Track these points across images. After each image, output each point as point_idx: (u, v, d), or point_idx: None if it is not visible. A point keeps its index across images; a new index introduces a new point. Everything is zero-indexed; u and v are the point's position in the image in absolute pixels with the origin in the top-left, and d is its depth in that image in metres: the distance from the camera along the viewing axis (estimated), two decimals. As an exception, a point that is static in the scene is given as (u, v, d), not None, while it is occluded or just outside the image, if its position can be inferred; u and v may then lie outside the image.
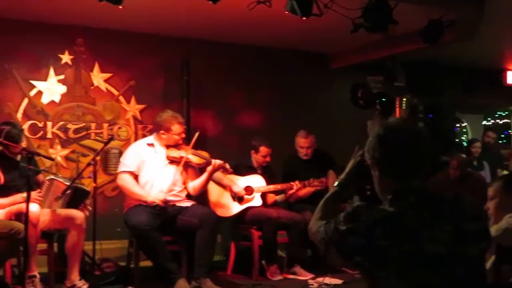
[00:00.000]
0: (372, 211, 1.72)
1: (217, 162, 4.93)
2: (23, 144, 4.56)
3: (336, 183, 2.09)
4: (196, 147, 5.04)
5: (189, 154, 4.91)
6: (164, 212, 4.77)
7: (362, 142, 1.96)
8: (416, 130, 1.84)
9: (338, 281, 5.01)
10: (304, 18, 4.50)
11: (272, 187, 5.57)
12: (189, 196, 5.09)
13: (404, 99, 7.60)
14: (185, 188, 5.06)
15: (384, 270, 1.66)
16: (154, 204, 4.68)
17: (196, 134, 5.05)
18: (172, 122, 4.89)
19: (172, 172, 4.91)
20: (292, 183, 5.52)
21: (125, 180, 4.86)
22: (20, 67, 5.80)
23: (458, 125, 8.92)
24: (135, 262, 4.86)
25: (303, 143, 5.85)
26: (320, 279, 5.07)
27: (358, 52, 6.83)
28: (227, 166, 5.01)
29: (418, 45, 5.65)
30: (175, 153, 4.92)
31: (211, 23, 5.79)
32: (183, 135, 4.99)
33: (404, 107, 7.61)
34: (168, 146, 4.95)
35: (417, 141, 1.80)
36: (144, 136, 6.09)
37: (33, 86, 5.88)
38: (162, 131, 4.93)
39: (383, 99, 6.45)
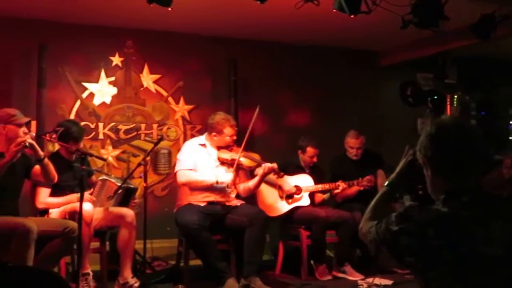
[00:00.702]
0: (425, 211, 1.68)
1: (268, 165, 4.91)
2: (81, 143, 4.68)
3: (386, 183, 2.06)
4: (247, 148, 5.03)
5: (240, 157, 4.92)
6: (214, 209, 4.81)
7: (413, 141, 1.92)
8: (469, 128, 1.80)
9: (388, 282, 4.94)
10: (352, 16, 4.46)
11: (320, 186, 5.53)
12: (238, 196, 5.11)
13: (455, 96, 7.44)
14: (235, 188, 5.09)
15: (438, 271, 1.62)
16: (224, 185, 4.79)
17: (257, 109, 5.00)
18: (224, 125, 4.91)
19: (223, 173, 4.94)
20: (337, 183, 5.47)
21: (186, 175, 4.87)
22: (72, 70, 5.95)
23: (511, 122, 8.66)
24: (185, 261, 4.90)
25: (353, 144, 5.78)
26: (369, 280, 5.01)
27: (408, 49, 6.71)
28: (278, 169, 4.97)
29: (470, 41, 5.52)
30: (226, 155, 4.93)
31: (259, 23, 5.80)
32: (235, 137, 5.01)
33: (455, 105, 7.44)
34: (219, 148, 4.98)
35: (471, 139, 1.75)
36: (192, 136, 6.15)
37: (85, 88, 6.03)
38: (214, 133, 4.96)
39: (435, 97, 6.32)
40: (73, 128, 4.62)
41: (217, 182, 4.80)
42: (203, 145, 5.01)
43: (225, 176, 4.85)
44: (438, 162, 1.77)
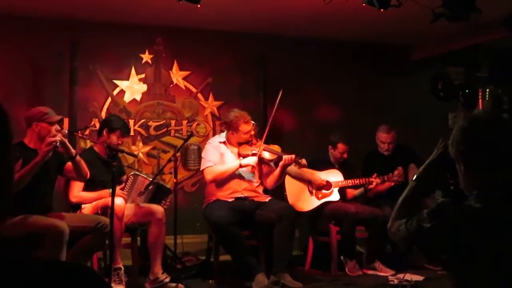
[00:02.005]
0: (458, 208, 1.65)
1: (288, 156, 4.90)
2: (120, 139, 4.75)
3: (414, 177, 2.02)
4: (270, 141, 5.03)
5: (260, 151, 4.93)
6: (243, 205, 4.83)
7: (445, 136, 1.89)
8: (502, 121, 1.76)
9: (419, 278, 4.89)
10: (382, 10, 4.42)
11: (350, 181, 5.50)
12: (266, 191, 5.12)
13: (488, 90, 7.31)
14: (261, 183, 5.09)
15: (472, 268, 1.59)
16: (247, 166, 4.82)
17: (280, 92, 4.99)
18: (238, 122, 4.91)
19: (246, 169, 4.95)
20: (371, 178, 5.42)
21: (213, 171, 4.90)
22: (103, 67, 6.03)
23: (546, 116, 8.47)
24: (215, 257, 4.93)
25: (384, 138, 5.72)
26: (400, 275, 4.97)
27: (439, 42, 6.62)
28: (300, 159, 4.94)
29: (503, 34, 5.41)
30: (247, 150, 4.95)
31: (288, 19, 5.78)
32: (252, 133, 5.00)
33: (487, 98, 7.32)
34: (239, 144, 4.99)
35: (504, 133, 1.72)
36: (222, 132, 6.16)
37: (116, 86, 6.10)
38: (230, 131, 4.97)
39: (466, 90, 6.23)
40: (119, 120, 4.78)
41: (240, 165, 4.81)
42: (224, 142, 5.02)
43: (249, 158, 4.85)
44: (471, 157, 1.73)
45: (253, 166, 4.86)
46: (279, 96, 4.97)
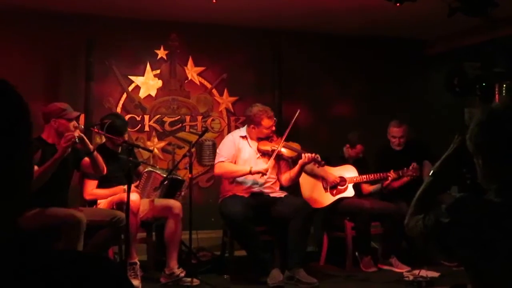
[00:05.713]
0: (477, 202, 1.63)
1: (308, 155, 4.90)
2: (126, 136, 4.76)
3: (431, 172, 2.00)
4: (288, 138, 5.03)
5: (280, 147, 4.92)
6: (258, 200, 4.83)
7: (461, 131, 1.87)
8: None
9: (435, 274, 4.86)
10: (398, 5, 4.39)
11: (365, 177, 5.48)
12: (281, 188, 5.12)
13: (504, 85, 7.24)
14: (278, 180, 5.09)
15: (492, 264, 1.57)
16: (258, 173, 4.76)
17: (298, 112, 5.00)
18: (262, 116, 4.90)
19: (264, 164, 4.95)
20: (387, 173, 5.39)
21: (223, 167, 4.91)
22: (119, 63, 6.06)
23: None
24: (230, 252, 4.95)
25: (396, 133, 5.68)
26: (416, 272, 4.93)
27: (455, 37, 6.56)
28: (319, 158, 4.94)
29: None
30: (266, 146, 4.95)
31: (303, 14, 5.77)
32: (273, 128, 5.00)
33: (503, 94, 7.25)
34: (259, 139, 4.99)
35: None
36: (236, 127, 6.18)
37: (131, 81, 6.13)
38: (252, 125, 4.97)
39: (483, 84, 6.18)
40: (117, 121, 4.71)
41: (250, 172, 4.79)
42: (244, 137, 5.02)
43: (260, 165, 4.85)
44: (490, 150, 1.71)
45: (263, 174, 4.82)
46: (296, 115, 4.96)
